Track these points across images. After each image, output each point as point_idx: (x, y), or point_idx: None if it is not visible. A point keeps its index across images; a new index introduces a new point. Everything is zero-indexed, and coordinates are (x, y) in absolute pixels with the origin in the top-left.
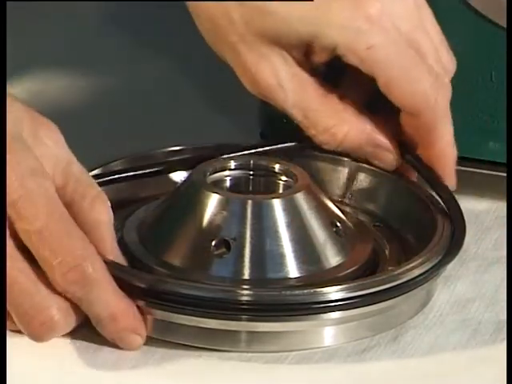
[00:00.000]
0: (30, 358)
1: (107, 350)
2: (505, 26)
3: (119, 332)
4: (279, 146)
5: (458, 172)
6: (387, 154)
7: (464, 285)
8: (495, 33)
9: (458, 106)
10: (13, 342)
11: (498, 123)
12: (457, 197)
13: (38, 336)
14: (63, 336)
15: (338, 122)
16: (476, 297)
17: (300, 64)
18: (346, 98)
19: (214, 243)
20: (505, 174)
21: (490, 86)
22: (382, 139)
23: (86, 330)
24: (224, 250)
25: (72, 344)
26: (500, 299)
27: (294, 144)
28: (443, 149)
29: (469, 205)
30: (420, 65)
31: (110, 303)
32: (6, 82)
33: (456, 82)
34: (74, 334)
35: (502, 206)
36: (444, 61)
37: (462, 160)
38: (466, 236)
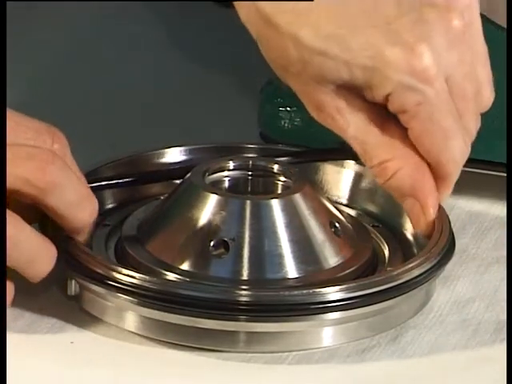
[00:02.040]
0: (30, 357)
1: (107, 350)
2: (505, 26)
3: None
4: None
5: None
6: (420, 213)
7: (464, 285)
8: (495, 33)
9: None
10: (13, 342)
11: (498, 123)
12: (457, 197)
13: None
14: (63, 336)
15: (393, 158)
16: (476, 297)
17: (362, 96)
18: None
19: (212, 244)
20: (505, 174)
21: None
22: (427, 196)
23: (86, 330)
24: (223, 250)
25: (72, 344)
26: (500, 299)
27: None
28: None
29: (469, 205)
30: (456, 128)
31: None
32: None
33: None
34: (74, 334)
35: (501, 205)
36: (484, 98)
37: None
38: (466, 236)
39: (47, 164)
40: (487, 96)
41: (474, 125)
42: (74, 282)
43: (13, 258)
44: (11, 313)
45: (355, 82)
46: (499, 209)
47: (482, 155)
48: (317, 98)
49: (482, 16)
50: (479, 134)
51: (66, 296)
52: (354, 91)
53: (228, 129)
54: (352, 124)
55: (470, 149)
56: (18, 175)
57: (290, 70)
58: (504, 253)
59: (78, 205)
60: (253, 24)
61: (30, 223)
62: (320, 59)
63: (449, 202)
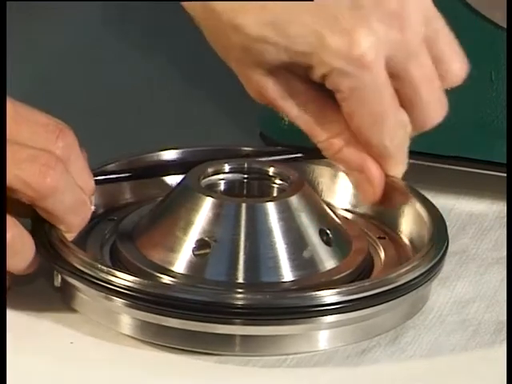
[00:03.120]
0: (29, 357)
1: (106, 351)
2: (505, 26)
3: None
4: (284, 156)
5: (458, 172)
6: (367, 186)
7: (464, 285)
8: (495, 33)
9: (457, 106)
10: (13, 342)
11: (498, 123)
12: (457, 197)
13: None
14: (64, 336)
15: (337, 134)
16: (476, 297)
17: (303, 75)
18: None
19: (207, 246)
20: (505, 174)
21: (489, 86)
22: (371, 169)
23: (86, 330)
24: (217, 252)
25: (72, 344)
26: (500, 300)
27: (298, 155)
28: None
29: (469, 205)
30: (390, 113)
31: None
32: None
33: None
34: (74, 335)
35: (502, 205)
36: (453, 72)
37: (461, 160)
38: (466, 236)
39: (48, 168)
40: (456, 69)
41: (427, 103)
42: (58, 274)
43: None
44: (11, 313)
45: (295, 65)
46: (499, 209)
47: (482, 155)
48: (258, 82)
49: (482, 16)
50: (479, 134)
51: (53, 287)
52: (294, 72)
53: (228, 129)
54: (295, 104)
55: (407, 132)
56: (17, 176)
57: (232, 54)
58: (504, 253)
59: (74, 210)
60: (195, 10)
61: (22, 217)
62: (260, 46)
63: (449, 201)
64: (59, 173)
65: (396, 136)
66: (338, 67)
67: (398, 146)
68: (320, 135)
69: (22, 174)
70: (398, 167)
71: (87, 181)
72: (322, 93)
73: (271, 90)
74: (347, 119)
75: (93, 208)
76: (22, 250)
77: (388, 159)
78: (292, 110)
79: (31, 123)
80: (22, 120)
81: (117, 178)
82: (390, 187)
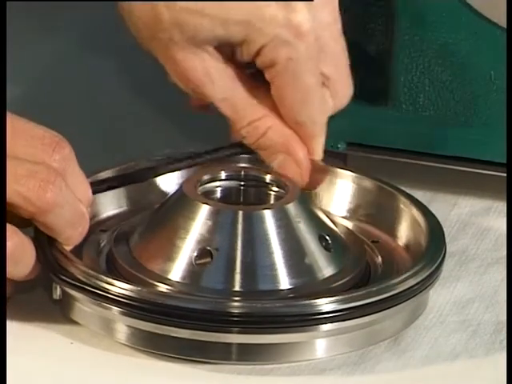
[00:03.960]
0: (30, 357)
1: (106, 353)
2: (505, 26)
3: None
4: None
5: (458, 172)
6: (295, 168)
7: (464, 285)
8: (495, 33)
9: (457, 106)
10: (13, 342)
11: (498, 123)
12: (457, 197)
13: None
14: (64, 337)
15: (262, 116)
16: (476, 297)
17: (229, 59)
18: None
19: (204, 254)
20: (505, 174)
21: (490, 86)
22: (298, 150)
23: (86, 330)
24: (214, 260)
25: (72, 345)
26: (500, 300)
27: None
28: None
29: (469, 205)
30: (317, 89)
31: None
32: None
33: (456, 82)
34: (74, 335)
35: (502, 205)
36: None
37: (462, 160)
38: (466, 236)
39: (47, 184)
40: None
41: (342, 87)
42: (58, 286)
43: None
44: (11, 313)
45: (230, 40)
46: (499, 209)
47: (481, 155)
48: (185, 64)
49: (482, 16)
50: (479, 134)
51: (52, 299)
52: (223, 53)
53: (228, 129)
54: (221, 87)
55: (330, 111)
56: (17, 192)
57: (160, 36)
58: (504, 253)
59: (73, 224)
60: None
61: (22, 227)
62: (195, 19)
63: (449, 201)
64: (59, 188)
65: (323, 111)
66: (276, 35)
67: (324, 123)
68: (244, 119)
69: (21, 190)
70: (321, 147)
71: (85, 192)
72: (247, 77)
73: (200, 71)
74: (277, 98)
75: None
76: (23, 258)
77: (315, 138)
78: (217, 94)
79: (27, 136)
80: (18, 133)
81: (112, 186)
82: (312, 168)
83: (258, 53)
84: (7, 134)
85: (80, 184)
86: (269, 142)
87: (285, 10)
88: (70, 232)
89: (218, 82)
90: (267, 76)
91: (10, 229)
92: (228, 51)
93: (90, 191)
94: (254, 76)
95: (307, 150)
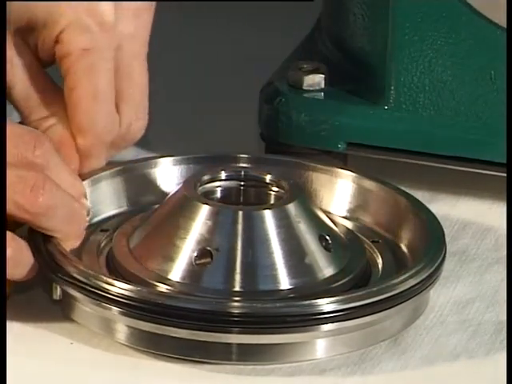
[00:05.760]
0: (30, 358)
1: (106, 353)
2: (505, 26)
3: None
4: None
5: (458, 172)
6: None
7: (464, 285)
8: (495, 33)
9: (457, 105)
10: (13, 342)
11: (498, 123)
12: (457, 197)
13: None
14: (64, 337)
15: (47, 116)
16: (476, 297)
17: (33, 54)
18: None
19: (204, 254)
20: (505, 174)
21: (490, 86)
22: (70, 159)
23: (86, 330)
24: (214, 261)
25: (72, 345)
26: (500, 300)
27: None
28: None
29: (469, 205)
30: (107, 97)
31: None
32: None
33: (456, 81)
34: (74, 335)
35: (502, 206)
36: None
37: (462, 160)
38: (466, 236)
39: (38, 188)
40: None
41: (136, 114)
42: (58, 286)
43: None
44: (11, 313)
45: (32, 21)
46: (499, 209)
47: (481, 155)
48: None
49: (482, 16)
50: (479, 134)
51: (52, 300)
52: (28, 42)
53: (228, 129)
54: (20, 79)
55: (114, 133)
56: (9, 199)
57: None
58: (504, 253)
59: (69, 221)
60: None
61: (15, 229)
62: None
63: (449, 201)
64: (49, 190)
65: (107, 129)
66: (78, 19)
67: (104, 144)
68: (34, 114)
69: (13, 197)
70: (92, 167)
71: (73, 183)
72: (44, 74)
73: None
74: (67, 93)
75: (90, 205)
76: (21, 261)
77: (88, 158)
78: (15, 83)
79: (8, 135)
80: None
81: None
82: None
83: (57, 39)
84: None
85: (68, 176)
86: (50, 135)
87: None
88: (67, 229)
89: (18, 74)
90: (62, 69)
91: (8, 235)
92: (33, 46)
93: (80, 181)
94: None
95: (78, 163)
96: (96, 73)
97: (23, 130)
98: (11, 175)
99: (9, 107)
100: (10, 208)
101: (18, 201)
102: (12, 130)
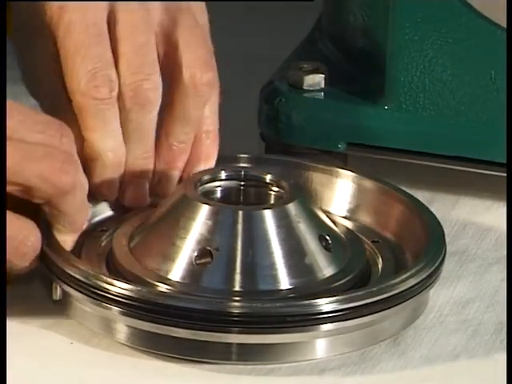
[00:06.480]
0: (30, 357)
1: (106, 353)
2: (505, 26)
3: None
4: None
5: (458, 172)
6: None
7: (464, 285)
8: (495, 33)
9: (457, 105)
10: (13, 342)
11: (498, 123)
12: (457, 197)
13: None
14: (64, 337)
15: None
16: (476, 297)
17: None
18: None
19: (204, 254)
20: (505, 174)
21: (490, 86)
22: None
23: (86, 330)
24: (214, 260)
25: (72, 345)
26: (500, 300)
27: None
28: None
29: (469, 204)
30: (93, 55)
31: None
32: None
33: (456, 81)
34: (74, 335)
35: (502, 206)
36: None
37: (462, 160)
38: (466, 236)
39: (65, 164)
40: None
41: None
42: (58, 286)
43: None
44: (11, 313)
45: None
46: (499, 209)
47: (482, 155)
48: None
49: (482, 16)
50: (480, 134)
51: (52, 300)
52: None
53: (228, 129)
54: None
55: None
56: (34, 173)
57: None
58: (504, 253)
59: (81, 209)
60: None
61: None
62: None
63: (449, 201)
64: (75, 171)
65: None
66: None
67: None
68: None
69: (39, 170)
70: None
71: (85, 178)
72: None
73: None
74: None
75: (90, 205)
76: (28, 251)
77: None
78: (42, 83)
79: (35, 121)
80: (25, 119)
81: None
82: None
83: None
84: (13, 120)
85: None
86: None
87: None
88: (78, 217)
89: (45, 75)
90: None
91: (30, 225)
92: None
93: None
94: None
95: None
96: (77, 31)
97: (49, 118)
98: (37, 150)
99: (24, 93)
100: (35, 181)
101: (45, 174)
102: (38, 117)
